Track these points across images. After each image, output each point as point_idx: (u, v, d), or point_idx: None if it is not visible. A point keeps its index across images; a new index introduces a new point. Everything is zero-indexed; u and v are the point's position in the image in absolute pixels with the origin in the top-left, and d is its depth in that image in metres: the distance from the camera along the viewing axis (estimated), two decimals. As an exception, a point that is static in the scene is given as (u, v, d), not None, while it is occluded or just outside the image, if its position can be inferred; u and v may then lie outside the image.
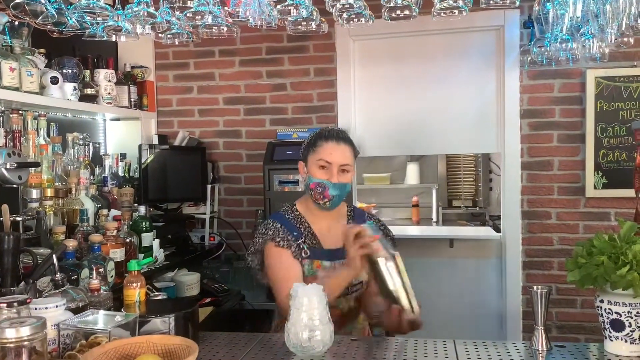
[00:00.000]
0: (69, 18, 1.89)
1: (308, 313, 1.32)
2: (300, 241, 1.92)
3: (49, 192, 2.48)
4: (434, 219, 5.73)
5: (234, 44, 3.58)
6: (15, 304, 1.13)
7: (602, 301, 1.32)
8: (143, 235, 2.84)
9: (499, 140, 3.38)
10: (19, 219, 2.08)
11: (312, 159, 1.94)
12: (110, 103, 3.17)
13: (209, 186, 3.49)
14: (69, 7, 1.85)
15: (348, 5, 1.77)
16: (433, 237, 3.77)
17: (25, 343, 1.05)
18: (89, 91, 3.03)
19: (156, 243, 2.89)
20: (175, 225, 3.34)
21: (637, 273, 1.21)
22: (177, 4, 1.72)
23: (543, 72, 3.25)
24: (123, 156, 3.32)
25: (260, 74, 3.58)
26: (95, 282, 1.52)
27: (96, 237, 2.35)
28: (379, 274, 1.64)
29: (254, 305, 3.12)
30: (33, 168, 2.48)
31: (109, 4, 1.93)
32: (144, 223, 2.86)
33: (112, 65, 3.37)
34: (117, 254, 2.46)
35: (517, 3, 1.78)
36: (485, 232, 3.83)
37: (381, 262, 1.63)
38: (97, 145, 3.20)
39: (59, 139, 2.84)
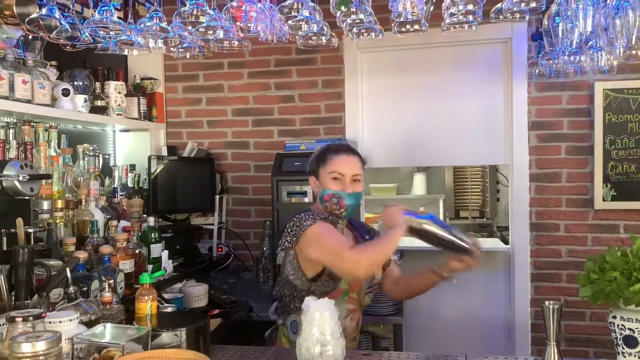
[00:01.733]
0: (82, 32, 1.91)
1: (320, 328, 1.32)
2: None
3: (60, 204, 2.49)
4: (441, 230, 5.73)
5: (243, 57, 3.61)
6: (31, 318, 1.13)
7: (615, 317, 1.31)
8: (152, 246, 2.85)
9: (507, 151, 3.38)
10: (30, 230, 2.09)
11: (325, 172, 2.02)
12: (120, 114, 3.19)
13: (217, 197, 3.50)
14: (81, 21, 1.87)
15: (358, 20, 1.78)
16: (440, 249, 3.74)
17: (41, 358, 1.06)
18: (99, 103, 3.06)
19: (165, 254, 2.90)
20: (183, 236, 3.35)
21: (651, 290, 1.21)
22: (190, 20, 1.74)
23: (551, 84, 3.25)
24: (132, 167, 3.34)
25: (269, 86, 3.61)
26: (107, 295, 1.54)
27: (106, 249, 2.36)
28: (430, 233, 1.87)
29: (261, 316, 3.11)
30: (44, 180, 2.52)
31: (121, 18, 1.96)
32: (153, 234, 2.87)
33: (122, 77, 3.40)
34: (127, 265, 2.46)
35: (527, 17, 1.80)
36: (494, 243, 3.82)
37: (428, 227, 1.88)
38: (107, 157, 3.22)
39: (70, 150, 2.87)
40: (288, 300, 2.02)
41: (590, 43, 2.57)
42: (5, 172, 2.06)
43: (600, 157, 3.19)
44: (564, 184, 3.27)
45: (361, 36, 1.96)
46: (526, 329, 3.30)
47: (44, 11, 1.80)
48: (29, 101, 2.49)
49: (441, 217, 5.66)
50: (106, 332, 1.31)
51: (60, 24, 1.80)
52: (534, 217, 3.31)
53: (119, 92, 3.18)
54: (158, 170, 3.18)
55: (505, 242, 3.72)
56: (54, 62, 2.85)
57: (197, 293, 2.96)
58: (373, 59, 3.55)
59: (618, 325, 1.30)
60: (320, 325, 1.32)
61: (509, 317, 3.42)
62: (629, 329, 1.27)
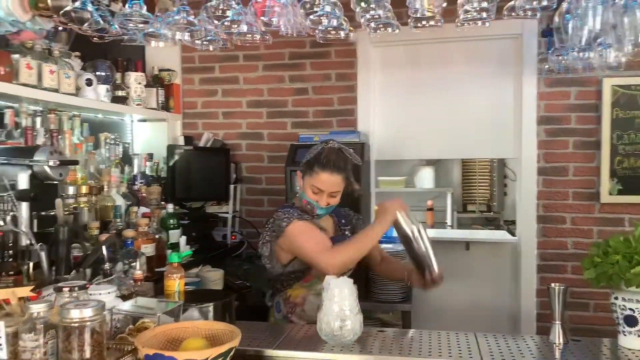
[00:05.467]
0: (112, 25, 1.99)
1: (339, 304, 1.41)
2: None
3: (84, 189, 2.59)
4: (449, 223, 5.80)
5: (258, 49, 3.69)
6: (76, 288, 1.23)
7: (616, 298, 1.40)
8: (171, 232, 2.96)
9: (516, 146, 3.46)
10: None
11: (308, 181, 2.18)
12: (140, 105, 3.29)
13: (231, 186, 3.59)
14: (106, 13, 1.95)
15: (377, 16, 1.86)
16: (449, 239, 3.84)
17: (88, 323, 1.16)
18: (120, 93, 3.15)
19: (183, 239, 3.00)
20: (199, 223, 3.44)
21: (651, 272, 1.29)
22: (216, 13, 1.82)
23: (560, 79, 3.32)
24: (150, 156, 3.44)
25: (283, 78, 3.69)
26: (138, 273, 1.64)
27: (129, 233, 2.46)
28: (414, 240, 1.99)
29: (274, 302, 3.21)
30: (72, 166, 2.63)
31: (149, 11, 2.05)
32: (171, 220, 2.98)
33: (140, 69, 3.50)
34: (148, 249, 2.57)
35: (538, 15, 1.87)
36: (501, 235, 3.90)
37: (413, 229, 1.98)
38: (127, 145, 3.31)
39: (92, 138, 2.97)
40: (272, 285, 2.26)
41: (599, 40, 2.65)
42: (36, 158, 2.16)
43: (607, 151, 3.26)
44: (571, 178, 3.35)
45: (378, 31, 2.03)
46: (532, 319, 3.38)
47: (77, 4, 1.89)
48: (55, 90, 2.59)
49: (449, 211, 5.75)
50: (141, 305, 1.40)
51: (92, 16, 1.89)
52: (541, 210, 3.38)
53: (139, 83, 3.28)
54: (176, 160, 3.28)
55: (513, 235, 3.79)
56: (77, 53, 2.95)
57: (213, 278, 3.06)
58: (386, 53, 3.63)
59: (619, 306, 1.39)
60: (340, 301, 1.41)
61: (514, 306, 3.51)
62: (630, 308, 1.36)
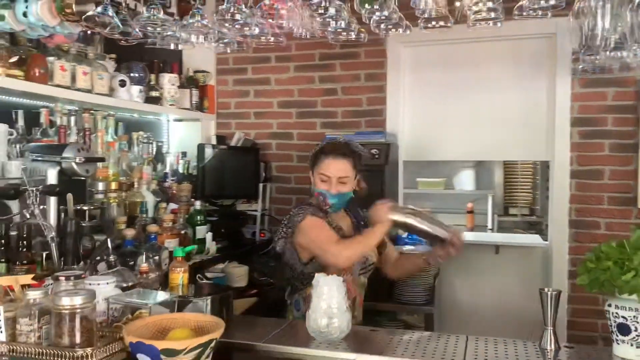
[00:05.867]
0: (133, 29, 2.09)
1: (327, 301, 1.44)
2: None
3: (113, 185, 2.72)
4: (489, 226, 5.67)
5: (289, 51, 3.75)
6: (72, 277, 1.31)
7: (610, 305, 1.36)
8: (197, 228, 3.05)
9: (549, 148, 3.36)
10: (84, 208, 2.31)
11: (316, 172, 2.23)
12: (173, 105, 3.41)
13: (260, 185, 3.67)
14: (127, 17, 2.04)
15: (384, 17, 1.87)
16: (478, 242, 3.77)
17: (78, 310, 1.23)
18: (153, 93, 3.28)
19: (209, 236, 3.09)
20: (229, 220, 3.53)
21: (643, 279, 1.24)
22: (226, 17, 1.88)
23: (596, 80, 3.21)
24: (184, 154, 3.56)
25: (313, 79, 3.74)
26: (144, 265, 1.71)
27: (153, 228, 2.57)
28: (412, 227, 2.11)
29: (298, 299, 3.26)
30: (101, 163, 2.76)
31: (172, 14, 2.13)
32: (199, 217, 3.07)
33: (176, 70, 3.62)
34: (172, 243, 2.66)
35: (549, 15, 1.83)
36: (532, 239, 3.80)
37: (408, 219, 2.09)
38: (160, 144, 3.44)
39: (126, 137, 3.11)
40: (291, 282, 2.29)
41: (635, 38, 2.55)
42: (64, 155, 2.28)
43: (645, 155, 3.13)
44: (606, 182, 3.23)
45: (390, 32, 2.04)
46: (562, 326, 3.28)
47: (99, 9, 2.00)
48: (89, 91, 2.73)
49: (489, 214, 5.62)
50: (139, 295, 1.47)
51: (113, 20, 1.99)
52: (573, 214, 3.28)
53: (172, 84, 3.40)
54: (207, 158, 3.37)
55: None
56: (113, 55, 3.09)
57: (238, 273, 3.15)
58: (416, 53, 3.61)
59: (612, 313, 1.34)
60: (328, 299, 1.44)
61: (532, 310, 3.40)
62: (622, 316, 1.31)
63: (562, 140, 3.28)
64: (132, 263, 2.30)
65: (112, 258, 1.72)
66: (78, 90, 2.66)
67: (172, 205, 3.06)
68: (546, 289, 1.45)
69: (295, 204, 2.35)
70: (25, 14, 2.10)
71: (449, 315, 3.50)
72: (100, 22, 2.06)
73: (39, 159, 2.31)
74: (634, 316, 1.29)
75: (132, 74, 3.11)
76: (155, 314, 1.42)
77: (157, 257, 2.49)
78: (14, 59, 2.32)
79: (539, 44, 3.36)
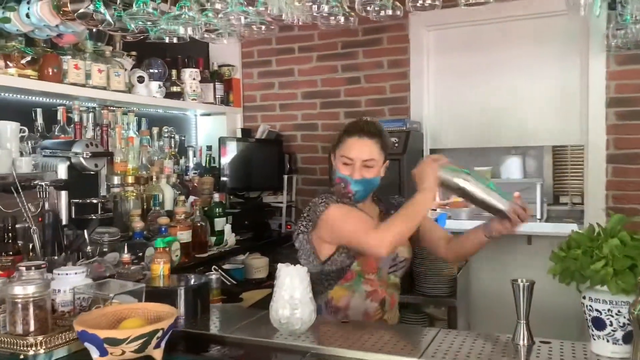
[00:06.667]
0: (128, 24, 2.12)
1: (289, 292, 1.40)
2: None
3: (130, 179, 2.79)
4: (538, 216, 5.41)
5: (312, 40, 3.72)
6: (33, 267, 1.35)
7: (584, 297, 1.24)
8: (216, 220, 3.09)
9: (582, 131, 3.16)
10: (94, 201, 2.38)
11: (338, 154, 1.93)
12: (195, 99, 3.46)
13: (285, 177, 3.66)
14: (121, 13, 2.07)
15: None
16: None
17: (31, 299, 1.26)
18: (174, 89, 3.33)
19: (228, 228, 3.12)
20: (253, 212, 3.55)
21: (613, 269, 1.12)
22: (209, 7, 1.88)
23: (633, 56, 2.97)
24: (209, 148, 3.61)
25: (336, 68, 3.68)
26: (126, 256, 1.74)
27: (163, 220, 2.62)
28: (464, 191, 1.73)
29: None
30: (119, 157, 2.85)
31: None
32: (217, 209, 3.11)
33: (202, 65, 3.67)
34: (184, 235, 2.71)
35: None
36: (564, 228, 3.57)
37: (459, 181, 1.71)
38: (183, 138, 3.49)
39: (147, 132, 3.18)
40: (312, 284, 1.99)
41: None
42: (73, 150, 2.36)
43: (691, 136, 2.87)
44: (646, 166, 2.99)
45: (419, 7, 1.91)
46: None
47: (91, 7, 2.04)
48: (104, 88, 2.80)
49: (538, 203, 5.36)
50: (107, 286, 1.50)
51: (104, 17, 2.03)
52: (610, 201, 3.06)
53: (194, 79, 3.44)
54: (228, 151, 3.40)
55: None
56: (133, 53, 3.16)
57: (257, 265, 3.16)
58: (440, 37, 3.48)
59: (587, 306, 1.22)
60: (290, 289, 1.40)
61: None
62: (597, 310, 1.19)
63: (597, 123, 3.07)
64: (140, 254, 2.37)
65: (89, 249, 1.75)
66: (94, 87, 2.74)
67: (193, 198, 3.11)
68: (519, 280, 1.34)
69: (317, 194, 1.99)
70: (28, 15, 2.17)
71: (476, 308, 3.36)
72: (95, 19, 2.11)
73: (50, 154, 2.40)
74: (609, 309, 1.17)
75: (151, 70, 3.18)
76: (121, 302, 1.43)
77: (167, 249, 2.56)
78: (27, 59, 2.42)
79: (569, 20, 3.14)
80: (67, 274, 1.45)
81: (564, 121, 3.21)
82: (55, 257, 1.65)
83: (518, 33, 3.30)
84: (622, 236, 1.15)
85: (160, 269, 1.70)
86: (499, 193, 1.75)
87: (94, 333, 1.20)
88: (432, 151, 3.58)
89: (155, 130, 3.21)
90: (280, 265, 1.43)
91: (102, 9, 2.04)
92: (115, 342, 1.20)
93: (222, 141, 3.39)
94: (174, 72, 3.36)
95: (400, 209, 1.81)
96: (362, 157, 1.86)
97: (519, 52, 3.30)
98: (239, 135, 3.80)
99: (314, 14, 1.91)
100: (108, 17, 2.03)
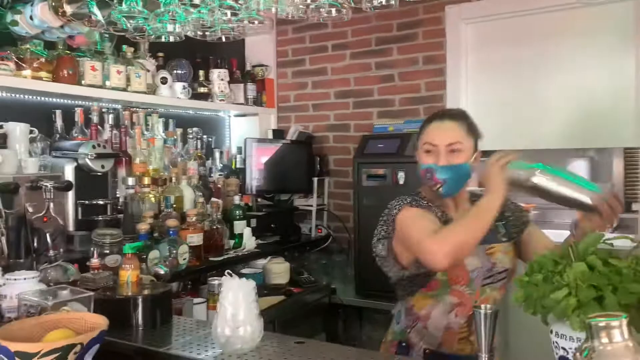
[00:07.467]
0: (123, 23, 2.09)
1: (232, 308, 1.29)
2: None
3: (146, 181, 2.77)
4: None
5: (346, 37, 3.58)
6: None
7: (551, 332, 1.02)
8: (235, 222, 3.02)
9: (637, 132, 2.80)
10: (100, 202, 2.38)
11: (420, 145, 1.71)
12: (223, 100, 3.41)
13: (315, 179, 3.54)
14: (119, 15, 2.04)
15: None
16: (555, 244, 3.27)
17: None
18: (201, 89, 3.31)
19: (247, 231, 3.04)
20: (280, 215, 3.46)
21: (577, 300, 0.91)
22: (190, 2, 1.80)
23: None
24: (240, 150, 3.55)
25: (370, 66, 3.52)
26: (95, 261, 1.69)
27: (171, 222, 2.57)
28: (546, 190, 1.51)
29: (343, 300, 3.10)
30: (138, 158, 2.85)
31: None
32: (237, 212, 3.04)
33: (236, 65, 3.63)
34: (195, 238, 2.65)
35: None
36: (621, 241, 3.19)
37: (532, 178, 1.51)
38: (210, 140, 3.46)
39: (172, 133, 3.17)
40: (395, 291, 1.79)
41: None
42: (80, 151, 2.37)
43: None
44: None
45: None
46: None
47: (84, 7, 2.03)
48: (124, 89, 2.81)
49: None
50: (56, 293, 1.44)
51: (95, 16, 2.00)
52: (669, 211, 2.69)
53: (222, 79, 3.40)
54: (253, 153, 3.33)
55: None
56: (160, 54, 3.16)
57: (277, 270, 3.06)
58: (479, 31, 3.23)
59: (553, 343, 1.01)
60: (233, 305, 1.29)
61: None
62: (562, 347, 0.98)
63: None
64: (144, 256, 2.34)
65: (51, 253, 1.72)
66: (114, 89, 2.75)
67: (214, 200, 3.06)
68: (482, 306, 1.14)
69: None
70: (31, 17, 2.19)
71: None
72: (93, 19, 2.10)
73: (60, 156, 2.42)
74: (576, 348, 0.96)
75: (176, 71, 3.17)
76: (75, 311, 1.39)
77: (174, 252, 2.52)
78: (41, 61, 2.45)
79: (622, 9, 2.80)
80: (15, 280, 1.42)
81: (617, 121, 2.89)
82: (21, 260, 1.64)
83: (562, 24, 2.99)
84: (591, 260, 0.93)
85: (128, 275, 1.63)
86: (582, 184, 1.50)
87: (5, 345, 1.13)
88: (525, 153, 3.32)
89: (178, 131, 3.19)
90: (224, 278, 1.32)
91: (95, 9, 2.02)
92: (26, 356, 1.13)
93: (247, 143, 3.32)
94: (201, 72, 3.33)
95: (464, 216, 1.60)
96: (446, 141, 1.64)
97: (564, 45, 3.00)
98: (270, 136, 3.72)
99: (301, 6, 1.78)
100: (100, 17, 2.00)
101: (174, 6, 1.92)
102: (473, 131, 1.70)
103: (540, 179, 1.49)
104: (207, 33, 2.11)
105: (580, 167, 5.00)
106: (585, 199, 1.46)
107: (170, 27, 2.02)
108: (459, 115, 1.73)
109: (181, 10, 1.91)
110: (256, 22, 2.01)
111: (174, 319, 1.59)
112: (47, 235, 1.74)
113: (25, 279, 1.42)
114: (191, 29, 2.04)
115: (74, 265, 1.72)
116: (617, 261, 0.93)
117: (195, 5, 1.81)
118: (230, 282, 1.31)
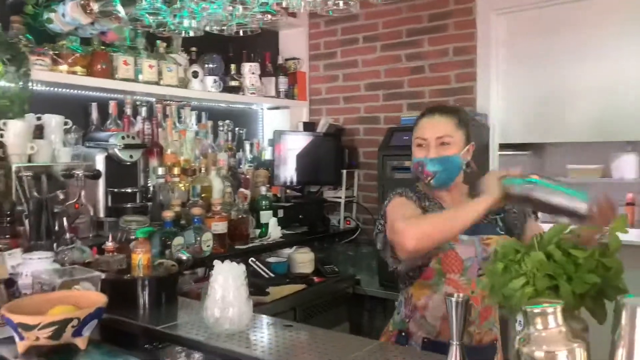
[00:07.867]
0: (147, 19, 2.19)
1: (221, 290, 1.35)
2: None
3: (176, 171, 2.88)
4: (656, 222, 4.73)
5: (377, 29, 3.58)
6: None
7: (516, 321, 1.02)
8: (262, 212, 3.10)
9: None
10: (128, 190, 2.51)
11: (413, 139, 1.77)
12: (254, 93, 3.49)
13: (344, 171, 3.57)
14: (142, 12, 2.14)
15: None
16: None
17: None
18: (232, 83, 3.40)
19: (273, 221, 3.11)
20: (309, 206, 3.51)
21: (535, 289, 0.90)
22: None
23: None
24: (271, 142, 3.62)
25: (400, 58, 3.51)
26: (109, 245, 1.79)
27: (196, 210, 2.67)
28: (537, 201, 1.53)
29: (366, 290, 3.13)
30: (169, 149, 2.97)
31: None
32: (264, 202, 3.12)
33: (269, 59, 3.70)
34: (219, 227, 2.74)
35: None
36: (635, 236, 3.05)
37: (523, 190, 1.52)
38: (241, 132, 3.54)
39: (204, 125, 3.27)
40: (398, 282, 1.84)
41: None
42: (110, 142, 2.50)
43: None
44: None
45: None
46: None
47: (110, 5, 2.13)
48: (156, 83, 2.93)
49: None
50: (68, 272, 1.55)
51: (119, 13, 2.11)
52: None
53: (253, 73, 3.48)
54: (282, 144, 3.39)
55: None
56: (193, 48, 3.26)
57: (301, 260, 3.13)
58: (510, 21, 3.16)
59: (518, 332, 1.00)
60: (223, 288, 1.35)
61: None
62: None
63: None
64: (169, 243, 2.45)
65: (67, 236, 1.83)
66: (146, 83, 2.87)
67: (243, 191, 3.15)
68: (454, 295, 1.14)
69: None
70: (63, 15, 2.33)
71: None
72: (116, 16, 2.21)
73: (93, 146, 2.57)
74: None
75: (207, 65, 3.27)
76: (78, 289, 1.48)
77: (198, 239, 2.62)
78: (76, 56, 2.59)
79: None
80: (30, 259, 1.53)
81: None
82: (42, 242, 1.76)
83: (599, 11, 2.90)
84: (551, 250, 0.93)
85: (139, 258, 1.72)
86: (573, 194, 1.51)
87: (9, 317, 1.24)
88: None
89: (209, 123, 3.28)
90: (215, 262, 1.38)
91: (118, 6, 2.12)
92: (27, 327, 1.23)
93: (275, 135, 3.39)
94: (232, 66, 3.41)
95: (449, 210, 1.67)
96: (435, 135, 1.69)
97: (601, 34, 2.90)
98: (301, 129, 3.77)
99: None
100: (123, 14, 2.10)
101: (189, 2, 1.98)
102: (464, 124, 1.73)
103: (529, 191, 1.51)
104: (224, 28, 2.16)
105: (629, 161, 4.79)
106: (579, 207, 1.48)
107: (186, 23, 2.09)
108: (449, 110, 1.78)
109: (197, 6, 1.98)
110: (269, 15, 2.05)
111: (180, 300, 1.67)
112: (64, 219, 1.86)
113: (39, 258, 1.52)
114: (209, 25, 2.10)
115: (91, 249, 1.83)
116: (578, 252, 0.92)
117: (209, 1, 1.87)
118: (221, 266, 1.36)
